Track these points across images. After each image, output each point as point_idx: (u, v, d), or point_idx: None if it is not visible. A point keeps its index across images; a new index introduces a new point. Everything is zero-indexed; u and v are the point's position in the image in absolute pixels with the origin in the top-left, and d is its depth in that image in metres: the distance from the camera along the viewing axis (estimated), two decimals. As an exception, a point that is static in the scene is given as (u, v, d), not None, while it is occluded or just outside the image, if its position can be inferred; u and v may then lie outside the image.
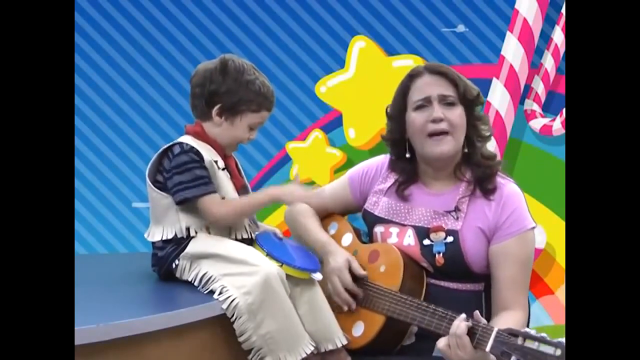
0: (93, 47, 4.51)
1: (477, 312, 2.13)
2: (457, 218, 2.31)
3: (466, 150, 2.36)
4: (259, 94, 2.31)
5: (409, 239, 2.34)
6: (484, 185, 2.34)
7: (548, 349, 1.96)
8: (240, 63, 2.33)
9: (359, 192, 2.49)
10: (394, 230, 2.37)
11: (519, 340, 2.00)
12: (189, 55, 4.44)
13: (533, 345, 1.98)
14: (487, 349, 2.04)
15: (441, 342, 2.13)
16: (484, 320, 2.11)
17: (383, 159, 2.49)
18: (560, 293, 4.04)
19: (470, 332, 2.08)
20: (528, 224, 2.32)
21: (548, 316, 4.07)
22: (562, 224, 4.00)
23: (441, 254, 2.29)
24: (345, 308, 2.32)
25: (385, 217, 2.39)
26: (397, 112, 2.39)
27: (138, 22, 4.49)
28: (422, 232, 2.33)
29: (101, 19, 4.51)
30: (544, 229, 4.02)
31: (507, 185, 2.35)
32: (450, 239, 2.29)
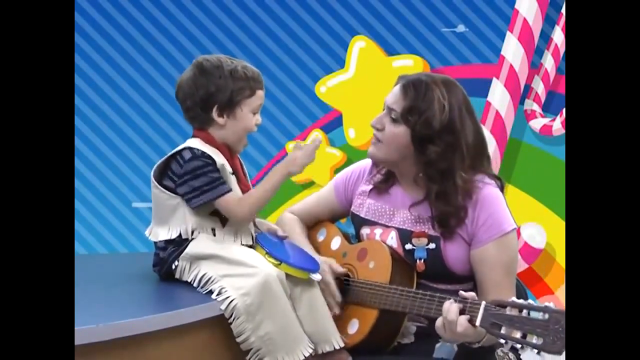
0: (93, 47, 4.50)
1: (461, 291, 2.12)
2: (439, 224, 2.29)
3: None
4: (247, 79, 2.30)
5: (392, 240, 2.33)
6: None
7: (536, 315, 1.97)
8: (215, 58, 2.32)
9: (344, 196, 2.49)
10: (378, 231, 2.36)
11: (507, 311, 2.02)
12: (189, 55, 4.43)
13: (522, 313, 2.00)
14: (477, 323, 2.04)
15: (438, 323, 2.12)
16: (471, 294, 2.10)
17: (367, 161, 2.50)
18: (560, 293, 4.04)
19: (460, 311, 2.08)
20: (507, 227, 2.26)
21: (548, 316, 4.06)
22: (562, 224, 4.00)
23: (422, 260, 2.28)
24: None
25: (371, 219, 2.39)
26: None
27: (138, 22, 4.49)
28: (405, 236, 2.31)
29: (101, 19, 4.51)
30: (544, 229, 4.02)
31: (484, 189, 2.28)
32: (432, 245, 2.28)
